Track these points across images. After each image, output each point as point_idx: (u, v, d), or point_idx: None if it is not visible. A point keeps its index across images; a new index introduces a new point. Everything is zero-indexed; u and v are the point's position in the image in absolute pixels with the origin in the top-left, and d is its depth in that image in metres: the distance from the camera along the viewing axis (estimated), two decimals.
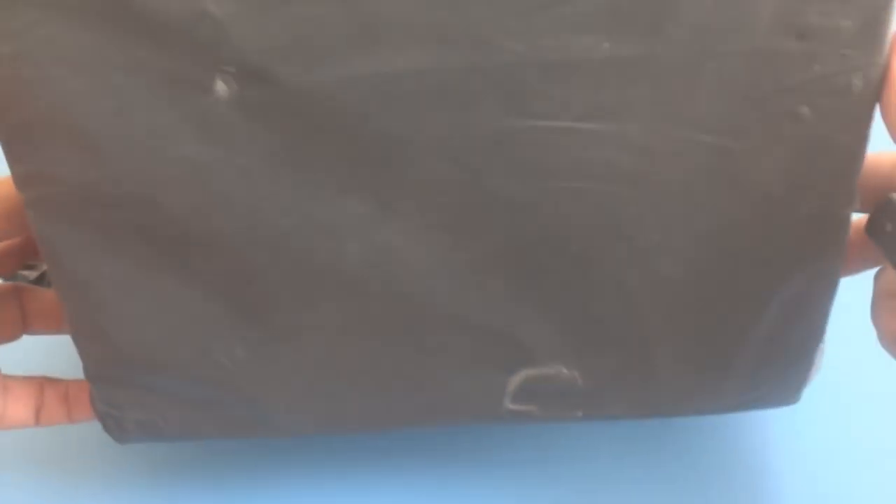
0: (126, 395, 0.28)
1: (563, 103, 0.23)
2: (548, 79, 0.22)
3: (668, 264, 0.25)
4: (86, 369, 0.28)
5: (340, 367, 0.27)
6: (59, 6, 0.21)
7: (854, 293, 0.28)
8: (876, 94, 0.23)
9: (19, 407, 0.29)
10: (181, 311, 0.26)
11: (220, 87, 0.22)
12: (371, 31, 0.22)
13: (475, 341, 0.27)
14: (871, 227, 0.25)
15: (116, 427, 0.29)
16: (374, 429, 0.30)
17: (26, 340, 0.30)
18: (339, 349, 0.27)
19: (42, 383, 0.29)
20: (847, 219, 0.25)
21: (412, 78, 0.22)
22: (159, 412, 0.29)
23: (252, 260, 0.25)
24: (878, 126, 0.24)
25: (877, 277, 0.27)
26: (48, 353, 0.33)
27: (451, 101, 0.22)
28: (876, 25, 0.22)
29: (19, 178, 0.23)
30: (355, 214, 0.24)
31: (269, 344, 0.27)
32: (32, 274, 0.33)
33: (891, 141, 0.24)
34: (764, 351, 0.27)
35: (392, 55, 0.22)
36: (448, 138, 0.23)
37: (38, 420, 0.29)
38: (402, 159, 0.23)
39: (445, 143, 0.23)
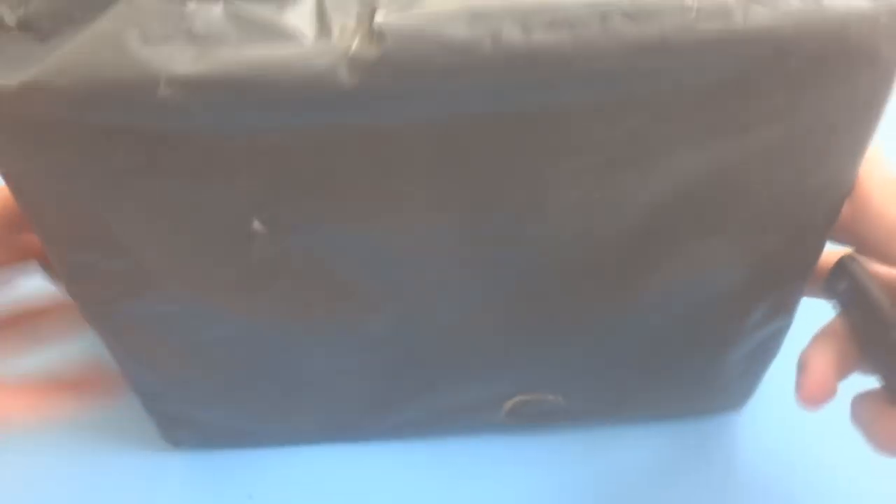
0: (173, 418, 0.32)
1: (539, 250, 0.25)
2: (526, 239, 0.25)
3: (632, 342, 0.29)
4: (136, 394, 0.31)
5: (360, 399, 0.32)
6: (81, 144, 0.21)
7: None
8: (840, 205, 0.24)
9: (19, 405, 0.28)
10: (211, 382, 0.30)
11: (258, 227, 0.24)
12: (382, 203, 0.23)
13: (479, 385, 0.31)
14: (827, 286, 0.28)
15: (171, 438, 0.34)
16: (386, 436, 0.35)
17: None
18: (357, 387, 0.31)
19: (46, 381, 0.29)
20: (799, 300, 0.29)
21: (415, 237, 0.24)
22: (206, 429, 0.33)
23: (270, 342, 0.28)
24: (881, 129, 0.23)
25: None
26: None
27: (452, 258, 0.25)
28: (850, 165, 0.23)
29: (62, 275, 0.25)
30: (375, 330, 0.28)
31: (293, 391, 0.31)
32: None
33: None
34: (719, 386, 0.33)
35: (396, 220, 0.23)
36: (444, 281, 0.26)
37: (44, 412, 0.29)
38: (409, 292, 0.26)
39: (445, 283, 0.26)
